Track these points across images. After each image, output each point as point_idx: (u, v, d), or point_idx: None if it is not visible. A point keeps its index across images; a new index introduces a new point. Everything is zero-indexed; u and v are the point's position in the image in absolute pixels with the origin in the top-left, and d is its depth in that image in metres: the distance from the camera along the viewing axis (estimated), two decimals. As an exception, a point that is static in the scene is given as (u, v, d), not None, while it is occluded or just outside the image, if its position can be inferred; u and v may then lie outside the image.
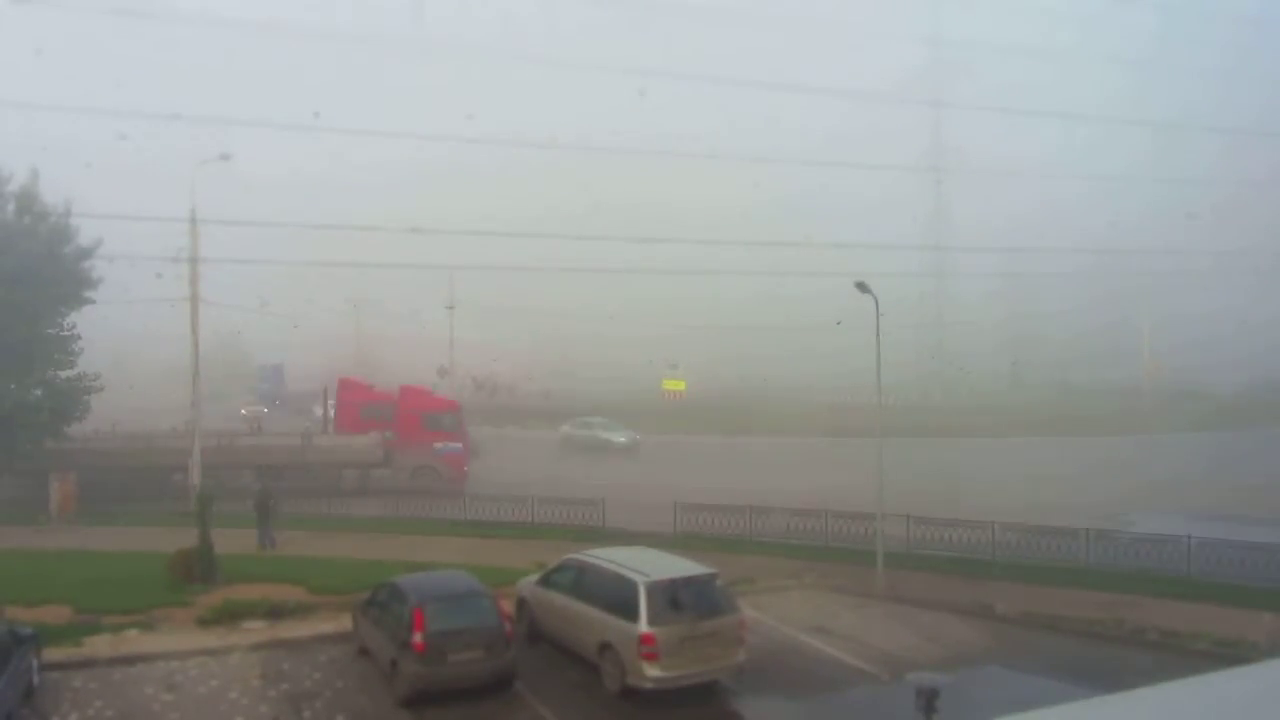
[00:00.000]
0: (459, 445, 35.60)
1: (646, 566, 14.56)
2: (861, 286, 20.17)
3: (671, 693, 13.44)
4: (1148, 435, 47.68)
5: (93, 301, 31.15)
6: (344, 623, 16.58)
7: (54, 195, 30.00)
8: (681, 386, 64.06)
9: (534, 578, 16.87)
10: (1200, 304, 63.64)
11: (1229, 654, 14.28)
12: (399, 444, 35.09)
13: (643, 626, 13.35)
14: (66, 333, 30.74)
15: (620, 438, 47.20)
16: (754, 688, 14.34)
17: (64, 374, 30.58)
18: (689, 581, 14.31)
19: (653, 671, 13.26)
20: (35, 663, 13.85)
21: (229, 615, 17.27)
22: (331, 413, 39.90)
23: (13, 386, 28.85)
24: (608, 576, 14.61)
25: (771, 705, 14.20)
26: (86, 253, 30.31)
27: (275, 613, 17.48)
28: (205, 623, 17.10)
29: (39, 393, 29.87)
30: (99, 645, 15.90)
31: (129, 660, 15.33)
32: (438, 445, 35.04)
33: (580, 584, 15.19)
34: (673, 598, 13.84)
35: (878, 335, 20.71)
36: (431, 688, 13.45)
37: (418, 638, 13.39)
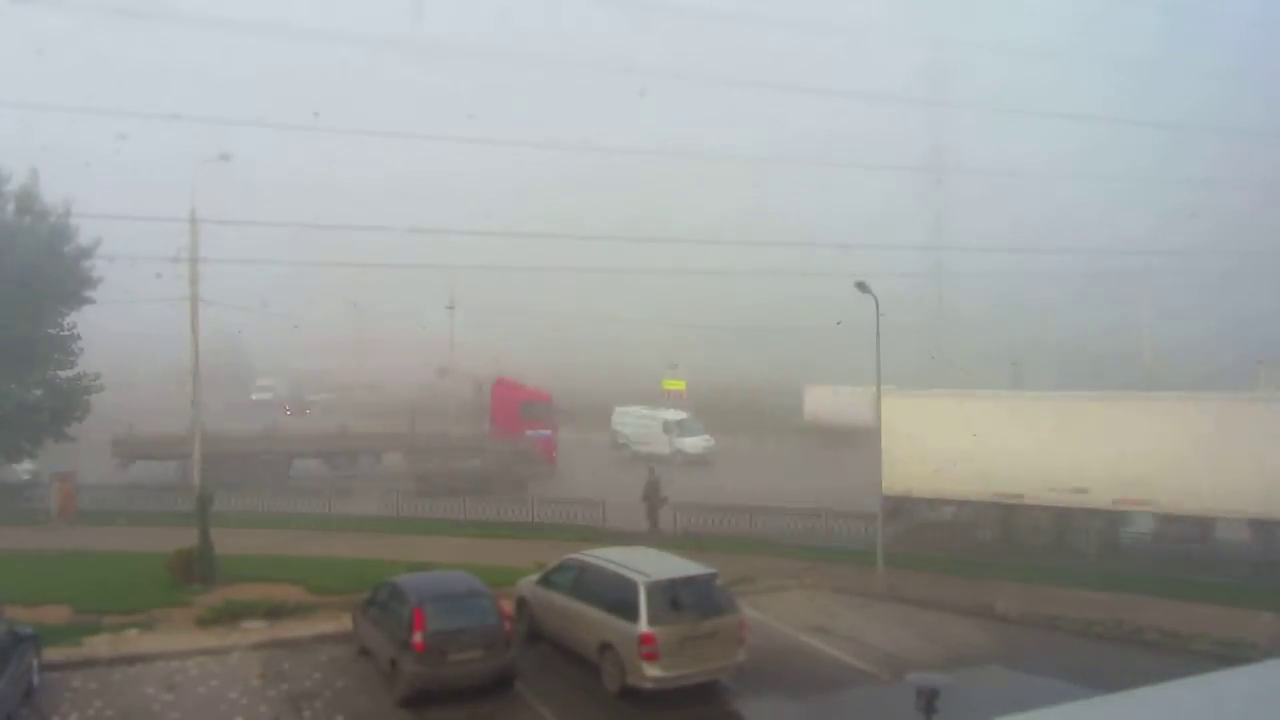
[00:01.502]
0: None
1: (646, 566, 14.55)
2: (861, 286, 20.14)
3: (671, 693, 13.43)
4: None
5: (93, 301, 31.18)
6: (344, 623, 16.56)
7: (54, 195, 30.10)
8: (681, 387, 63.84)
9: (534, 578, 16.84)
10: (1201, 304, 63.63)
11: (1229, 654, 14.26)
12: None
13: (643, 626, 13.34)
14: (66, 333, 30.77)
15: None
16: (754, 688, 14.33)
17: (64, 374, 30.59)
18: (689, 581, 14.31)
19: (653, 671, 13.25)
20: (35, 663, 13.82)
21: (229, 615, 17.25)
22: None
23: (13, 386, 28.85)
24: (608, 576, 14.60)
25: (771, 705, 14.19)
26: (86, 252, 30.34)
27: (275, 613, 17.47)
28: (205, 623, 17.08)
29: (39, 393, 29.88)
30: (99, 645, 15.89)
31: (129, 660, 15.32)
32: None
33: (580, 584, 15.17)
34: (673, 598, 13.83)
35: (878, 335, 20.69)
36: (431, 687, 13.44)
37: (418, 637, 13.38)
